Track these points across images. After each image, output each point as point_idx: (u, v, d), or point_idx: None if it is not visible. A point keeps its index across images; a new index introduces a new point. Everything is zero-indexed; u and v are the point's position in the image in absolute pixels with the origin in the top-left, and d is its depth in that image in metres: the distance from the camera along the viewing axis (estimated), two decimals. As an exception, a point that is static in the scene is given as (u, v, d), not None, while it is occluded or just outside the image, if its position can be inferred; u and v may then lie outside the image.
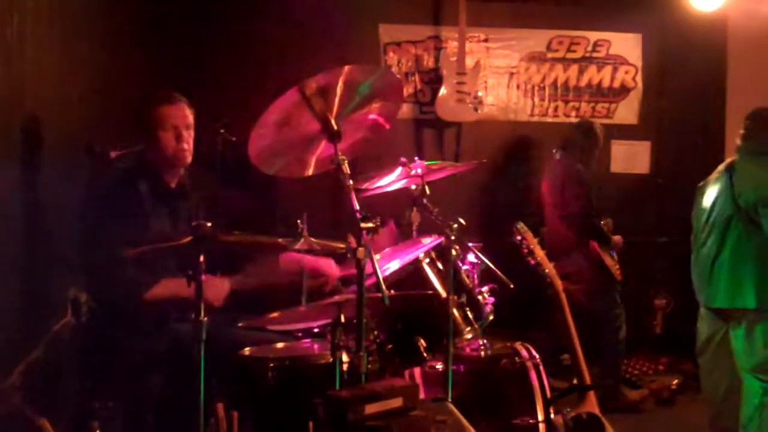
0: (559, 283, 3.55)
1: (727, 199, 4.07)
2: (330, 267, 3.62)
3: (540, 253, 3.56)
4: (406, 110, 6.29)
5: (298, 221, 3.01)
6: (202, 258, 2.67)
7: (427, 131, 6.41)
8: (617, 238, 5.46)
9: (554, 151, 5.69)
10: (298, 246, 3.00)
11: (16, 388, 3.25)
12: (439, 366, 3.52)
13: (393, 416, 2.36)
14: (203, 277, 2.69)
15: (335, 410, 2.30)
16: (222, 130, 5.04)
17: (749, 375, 3.97)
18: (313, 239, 3.01)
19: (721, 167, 4.26)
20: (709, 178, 4.31)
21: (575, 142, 5.61)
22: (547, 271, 3.54)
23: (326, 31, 6.01)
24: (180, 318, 3.21)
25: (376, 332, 3.19)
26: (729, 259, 4.05)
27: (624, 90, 6.65)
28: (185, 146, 3.46)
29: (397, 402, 2.40)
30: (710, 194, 4.21)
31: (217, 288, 3.29)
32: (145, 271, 3.18)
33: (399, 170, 3.85)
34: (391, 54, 6.39)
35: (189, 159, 3.49)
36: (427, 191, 3.83)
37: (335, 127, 2.80)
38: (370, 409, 2.31)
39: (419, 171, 3.83)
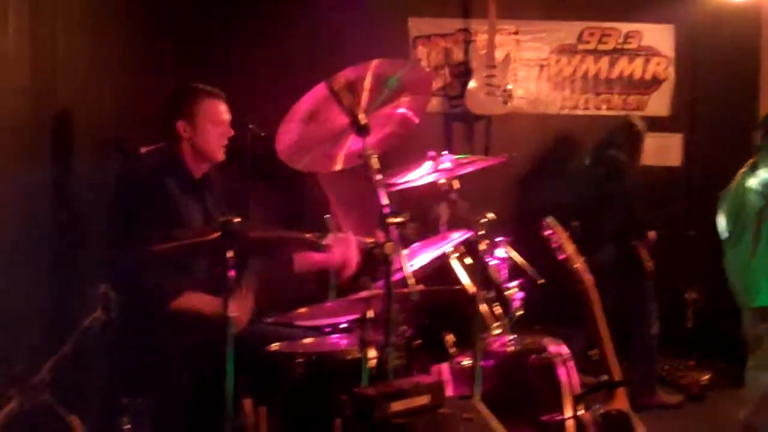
0: (588, 278, 3.51)
1: (755, 193, 4.03)
2: (337, 256, 3.53)
3: (570, 248, 3.52)
4: (435, 104, 6.27)
5: (326, 216, 3.01)
6: (230, 254, 2.67)
7: (457, 125, 6.38)
8: (651, 233, 5.41)
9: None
10: (325, 241, 2.99)
11: (46, 384, 3.27)
12: (467, 362, 3.50)
13: (419, 414, 2.36)
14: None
15: (361, 408, 2.30)
16: (251, 126, 5.04)
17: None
18: (341, 234, 3.01)
19: (742, 170, 4.24)
20: (730, 185, 4.29)
21: (621, 136, 5.55)
22: (577, 266, 3.50)
23: (355, 25, 5.99)
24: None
25: (404, 327, 3.18)
26: (766, 253, 4.01)
27: (656, 82, 6.57)
28: (225, 144, 3.47)
29: (423, 399, 2.39)
30: (734, 197, 4.18)
31: (243, 306, 3.22)
32: (174, 267, 3.17)
33: (428, 164, 3.83)
34: (420, 47, 6.37)
35: (222, 158, 3.49)
36: (456, 185, 3.81)
37: (363, 122, 2.79)
38: (397, 406, 2.31)
39: (448, 165, 3.81)
